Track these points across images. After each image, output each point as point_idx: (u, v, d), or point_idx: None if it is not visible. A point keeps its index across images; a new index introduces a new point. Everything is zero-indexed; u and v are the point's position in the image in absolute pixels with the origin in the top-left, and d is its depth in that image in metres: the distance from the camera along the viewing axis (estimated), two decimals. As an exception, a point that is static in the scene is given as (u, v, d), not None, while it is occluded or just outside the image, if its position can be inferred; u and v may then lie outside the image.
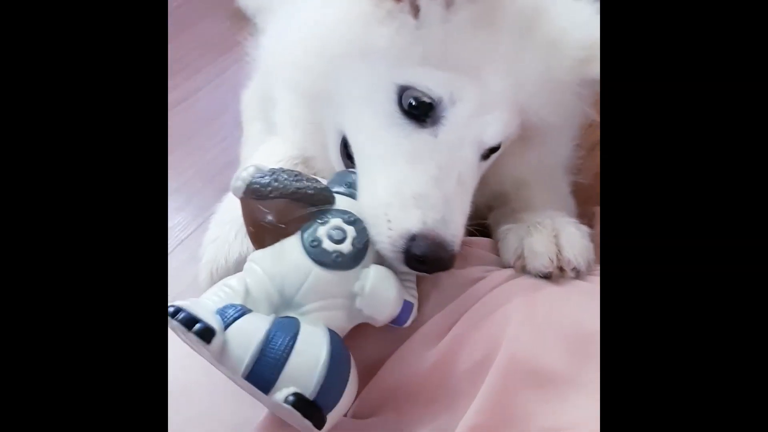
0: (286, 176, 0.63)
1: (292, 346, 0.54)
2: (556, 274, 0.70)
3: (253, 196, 0.62)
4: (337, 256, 0.60)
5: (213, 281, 0.81)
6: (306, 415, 0.53)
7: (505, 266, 0.73)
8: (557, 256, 0.69)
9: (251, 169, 0.64)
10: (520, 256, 0.71)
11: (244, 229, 0.71)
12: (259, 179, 0.62)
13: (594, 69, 0.68)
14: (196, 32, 1.70)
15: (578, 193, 0.94)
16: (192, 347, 0.58)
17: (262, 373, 0.54)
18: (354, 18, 0.70)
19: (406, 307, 0.63)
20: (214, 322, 0.54)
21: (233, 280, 0.61)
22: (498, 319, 0.64)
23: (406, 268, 0.63)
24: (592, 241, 0.74)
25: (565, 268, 0.69)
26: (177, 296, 1.19)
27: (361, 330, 0.67)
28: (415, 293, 0.66)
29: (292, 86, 0.79)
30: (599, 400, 0.47)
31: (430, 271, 0.64)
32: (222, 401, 0.69)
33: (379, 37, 0.68)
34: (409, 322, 0.64)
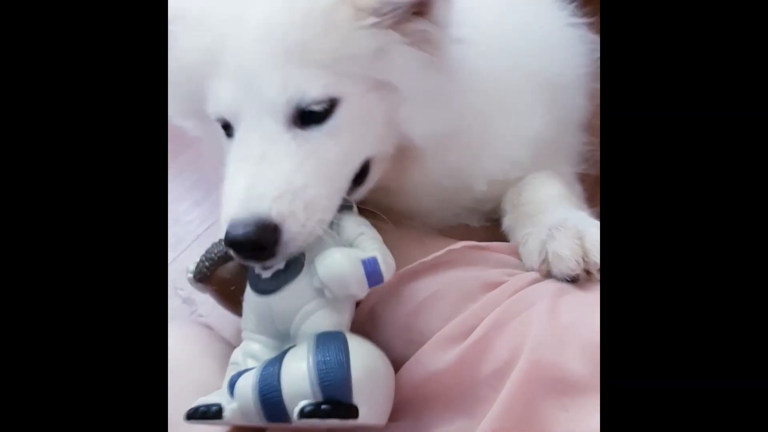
0: (215, 245, 0.72)
1: (278, 373, 0.58)
2: (583, 278, 0.68)
3: (201, 283, 0.72)
4: (273, 277, 0.63)
5: None
6: (324, 416, 0.55)
7: (527, 270, 0.71)
8: (583, 258, 0.68)
9: (190, 266, 0.74)
10: (545, 261, 0.69)
11: None
12: (194, 268, 0.73)
13: None
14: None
15: (585, 184, 0.91)
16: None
17: (272, 409, 0.58)
18: None
19: (369, 265, 0.61)
20: (223, 398, 0.61)
21: (235, 355, 0.67)
22: (521, 323, 0.63)
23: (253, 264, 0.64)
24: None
25: (592, 270, 0.67)
26: (193, 290, 1.19)
27: (386, 333, 0.66)
28: (376, 244, 0.64)
29: None
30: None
31: (245, 256, 0.62)
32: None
33: None
34: (388, 274, 0.63)
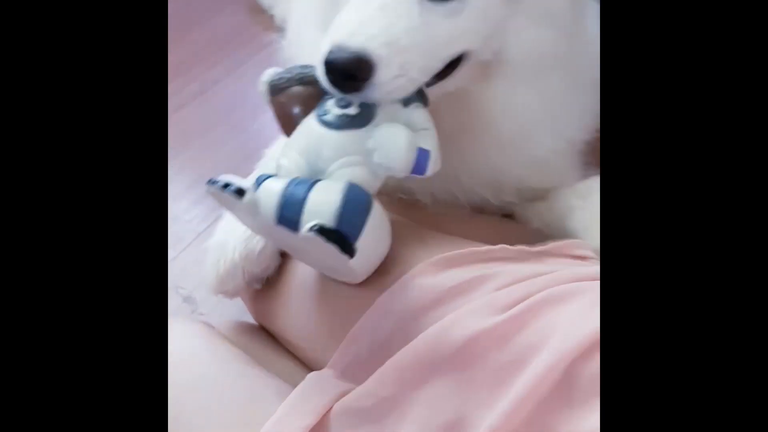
0: (297, 68, 0.73)
1: (308, 191, 0.64)
2: None
3: (272, 92, 0.73)
4: (342, 117, 0.67)
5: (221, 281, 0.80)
6: (329, 239, 0.62)
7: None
8: None
9: (270, 70, 0.73)
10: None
11: (250, 234, 0.78)
12: (274, 77, 0.73)
13: None
14: (214, 25, 1.70)
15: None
16: (231, 209, 0.70)
17: (289, 212, 0.63)
18: None
19: (422, 154, 0.67)
20: (247, 184, 0.66)
21: (270, 163, 0.73)
22: (547, 323, 0.61)
23: (336, 91, 0.67)
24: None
25: None
26: (194, 288, 1.19)
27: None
28: (433, 142, 0.69)
29: None
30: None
31: (334, 81, 0.65)
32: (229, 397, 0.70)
33: None
34: (429, 171, 0.68)
